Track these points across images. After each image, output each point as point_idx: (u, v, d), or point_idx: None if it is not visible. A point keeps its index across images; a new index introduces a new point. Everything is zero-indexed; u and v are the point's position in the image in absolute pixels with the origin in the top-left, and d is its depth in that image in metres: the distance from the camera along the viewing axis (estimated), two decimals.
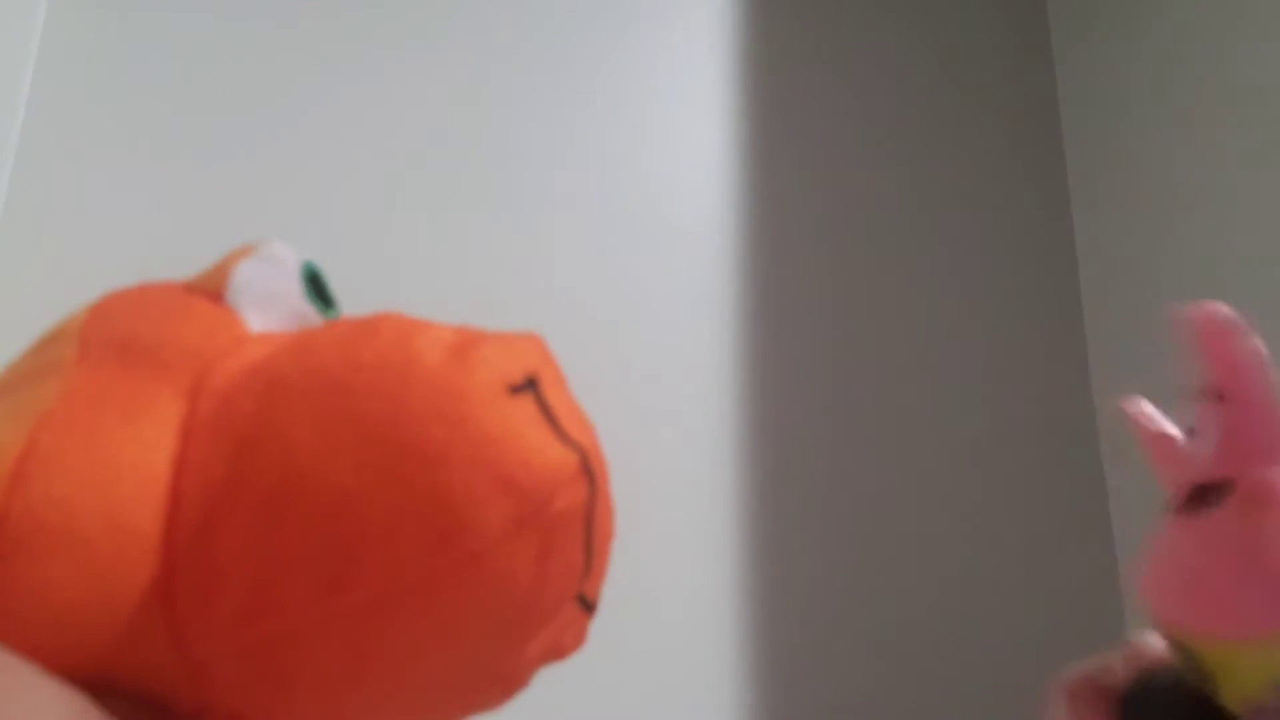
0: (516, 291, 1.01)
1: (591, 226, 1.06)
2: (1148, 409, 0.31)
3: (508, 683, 0.26)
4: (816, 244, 1.14)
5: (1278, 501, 0.25)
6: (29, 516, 0.21)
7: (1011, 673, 1.05)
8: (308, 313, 0.30)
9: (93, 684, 0.21)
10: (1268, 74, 1.04)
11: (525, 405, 0.24)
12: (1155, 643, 0.30)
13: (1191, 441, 0.28)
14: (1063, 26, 1.33)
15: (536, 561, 0.23)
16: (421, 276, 0.98)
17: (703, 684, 0.96)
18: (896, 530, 1.08)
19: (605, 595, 0.94)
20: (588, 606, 0.27)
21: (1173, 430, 0.30)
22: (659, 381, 1.04)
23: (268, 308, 0.29)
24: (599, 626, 0.98)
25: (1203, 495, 0.27)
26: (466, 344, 0.24)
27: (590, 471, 0.25)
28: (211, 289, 0.29)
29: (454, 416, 0.23)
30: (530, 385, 0.24)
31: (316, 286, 0.31)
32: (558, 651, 0.27)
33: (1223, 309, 0.26)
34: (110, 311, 0.28)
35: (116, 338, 0.26)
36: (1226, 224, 1.07)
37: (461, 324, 0.27)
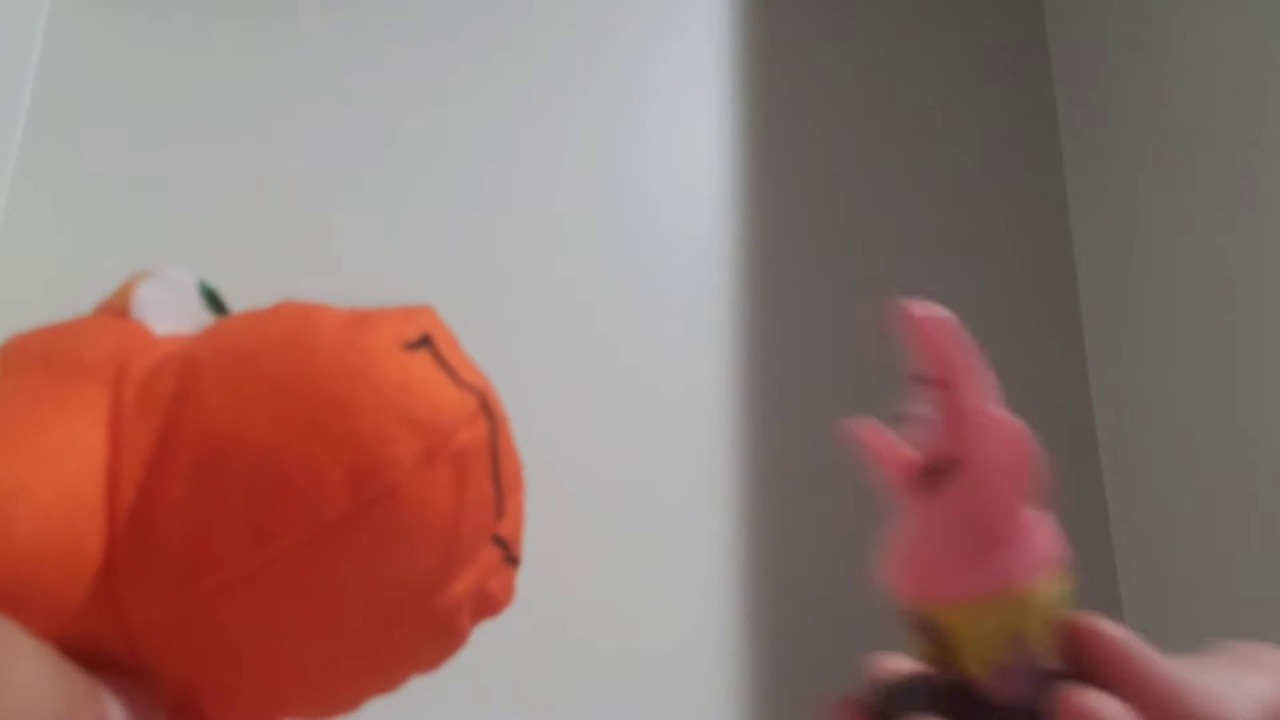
0: (515, 294, 1.02)
1: (590, 230, 1.06)
2: (873, 428, 0.33)
3: (444, 628, 0.27)
4: (816, 247, 1.15)
5: (994, 476, 0.29)
6: None
7: None
8: (209, 321, 0.32)
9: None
10: (1268, 75, 1.04)
11: (422, 358, 0.26)
12: (898, 662, 0.33)
13: (910, 427, 0.31)
14: (1060, 37, 1.34)
15: (450, 490, 0.25)
16: (421, 277, 0.99)
17: (703, 683, 0.97)
18: None
19: (607, 594, 0.94)
20: (509, 555, 0.29)
21: (894, 439, 0.32)
22: (659, 384, 1.04)
23: (171, 317, 0.30)
24: (599, 626, 0.99)
25: (932, 474, 0.30)
26: (362, 314, 0.27)
27: (489, 410, 0.26)
28: (116, 308, 0.30)
29: (358, 369, 0.25)
30: (425, 342, 0.26)
31: (215, 304, 0.33)
32: (488, 601, 0.29)
33: (938, 308, 0.30)
34: (22, 340, 0.29)
35: (35, 353, 0.27)
36: (1226, 222, 1.07)
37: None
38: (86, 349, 0.27)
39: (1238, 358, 1.03)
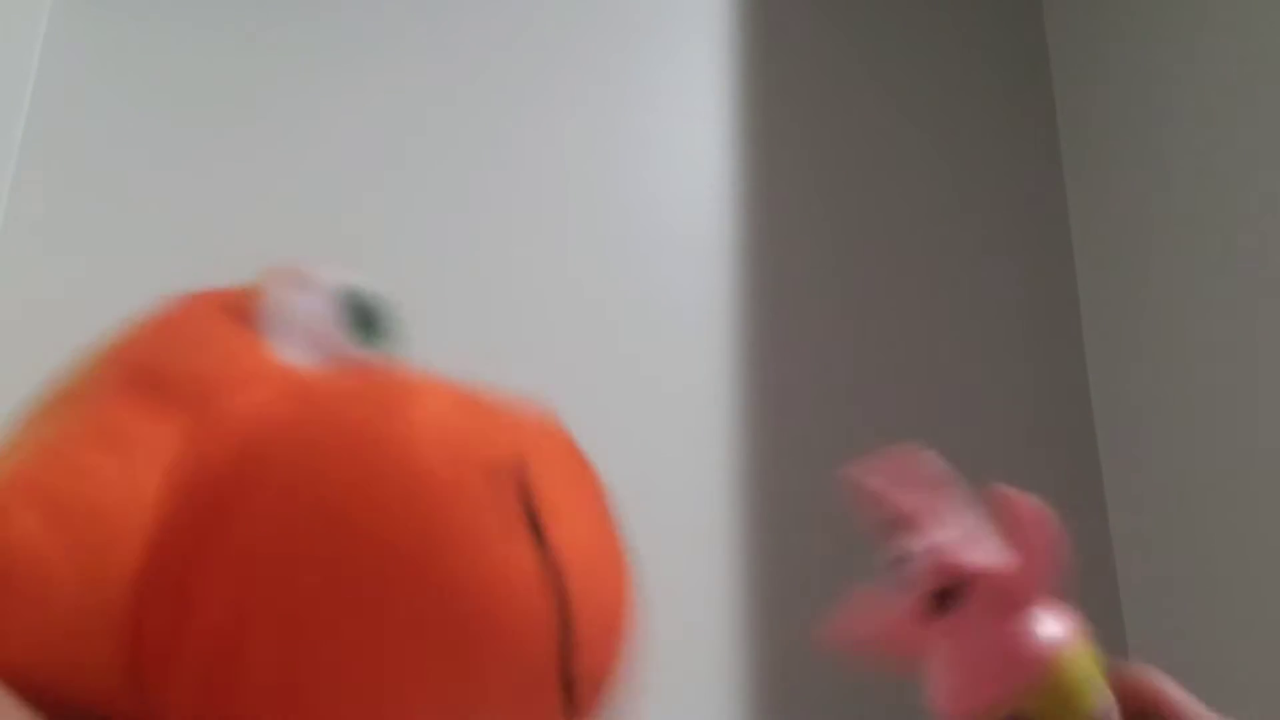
0: (516, 295, 1.02)
1: (591, 230, 1.06)
2: (853, 612, 0.37)
3: None
4: (814, 250, 1.15)
5: (1013, 596, 0.31)
6: (2, 554, 0.21)
7: None
8: (343, 343, 0.30)
9: (49, 705, 0.21)
10: (1268, 74, 1.04)
11: (505, 508, 0.23)
12: None
13: (904, 565, 0.34)
14: (1060, 37, 1.34)
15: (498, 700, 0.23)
16: (422, 280, 0.99)
17: (702, 678, 0.97)
18: None
19: None
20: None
21: (873, 609, 0.36)
22: (659, 382, 1.04)
23: (298, 337, 0.29)
24: None
25: (943, 598, 0.32)
26: (458, 428, 0.24)
27: (565, 603, 0.23)
28: (242, 309, 0.29)
29: (420, 515, 0.22)
30: (519, 482, 0.23)
31: (362, 314, 0.31)
32: None
33: (921, 454, 0.33)
34: (139, 336, 0.28)
35: (136, 365, 0.26)
36: (1227, 222, 1.07)
37: (474, 385, 0.26)
38: (181, 376, 0.25)
39: (1238, 358, 1.03)
